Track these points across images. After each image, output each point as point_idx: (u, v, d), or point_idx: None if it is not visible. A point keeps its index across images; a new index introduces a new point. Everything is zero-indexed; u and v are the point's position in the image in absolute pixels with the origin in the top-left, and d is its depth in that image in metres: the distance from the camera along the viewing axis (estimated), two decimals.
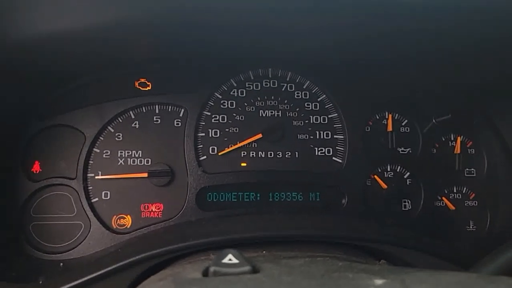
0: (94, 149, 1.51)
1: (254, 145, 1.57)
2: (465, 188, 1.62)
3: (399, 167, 1.61)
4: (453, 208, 1.60)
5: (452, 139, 1.65)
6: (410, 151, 1.62)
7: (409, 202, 1.60)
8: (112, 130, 1.53)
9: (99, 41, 1.29)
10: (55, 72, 1.47)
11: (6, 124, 1.43)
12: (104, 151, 1.52)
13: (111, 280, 1.02)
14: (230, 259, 0.77)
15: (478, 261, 1.01)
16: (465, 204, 1.62)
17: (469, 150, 1.65)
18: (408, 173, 1.61)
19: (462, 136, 1.64)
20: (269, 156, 1.57)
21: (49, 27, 1.12)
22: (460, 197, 1.62)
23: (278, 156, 1.57)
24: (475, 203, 1.62)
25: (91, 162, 1.51)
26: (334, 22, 1.19)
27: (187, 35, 1.32)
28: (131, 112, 1.54)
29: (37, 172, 1.49)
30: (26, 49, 1.22)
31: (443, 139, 1.65)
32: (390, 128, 1.61)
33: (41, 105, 1.50)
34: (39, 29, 1.12)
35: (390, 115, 1.62)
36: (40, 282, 1.21)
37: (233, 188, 1.54)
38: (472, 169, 1.64)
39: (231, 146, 1.56)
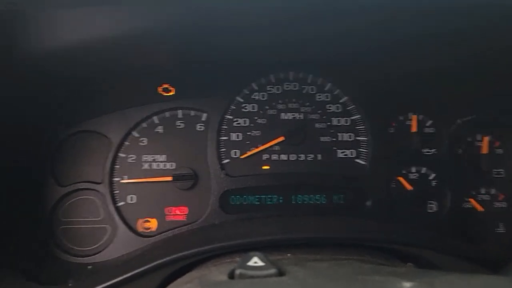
0: (120, 154, 1.54)
1: (276, 148, 1.57)
2: (493, 189, 1.59)
3: (424, 168, 1.59)
4: (481, 209, 1.57)
5: (479, 139, 1.62)
6: (435, 152, 1.60)
7: (435, 204, 1.57)
8: (137, 135, 1.56)
9: (124, 48, 1.32)
10: (81, 79, 1.50)
11: (35, 130, 1.48)
12: (129, 156, 1.54)
13: (138, 282, 1.03)
14: (255, 262, 0.77)
15: (508, 263, 0.99)
16: (494, 206, 1.58)
17: (496, 150, 1.61)
18: (434, 175, 1.59)
19: (489, 136, 1.61)
20: (291, 158, 1.57)
21: (75, 37, 1.15)
22: (489, 198, 1.58)
23: (300, 158, 1.57)
24: (504, 204, 1.58)
25: (116, 166, 1.54)
26: (356, 24, 1.18)
27: (208, 41, 1.33)
28: (155, 117, 1.57)
29: (65, 177, 1.53)
30: (54, 59, 1.26)
31: (469, 140, 1.62)
32: (414, 129, 1.59)
33: (68, 112, 1.54)
34: (66, 38, 1.16)
35: (414, 116, 1.60)
36: (70, 284, 1.24)
37: (256, 191, 1.54)
38: (501, 170, 1.60)
39: (253, 149, 1.56)
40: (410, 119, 1.61)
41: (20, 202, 1.46)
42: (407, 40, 1.33)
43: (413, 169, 1.59)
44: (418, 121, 1.60)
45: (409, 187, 1.56)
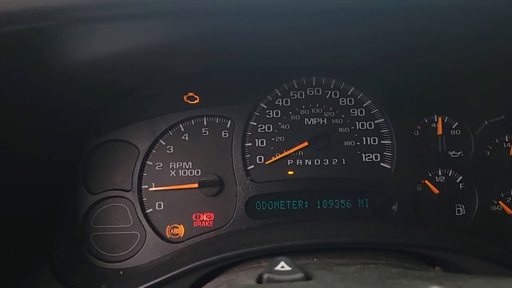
0: (147, 162, 1.58)
1: (301, 153, 1.58)
2: None
3: (450, 171, 1.57)
4: (511, 212, 1.54)
5: (507, 140, 1.59)
6: (462, 154, 1.58)
7: (463, 207, 1.55)
8: (164, 143, 1.59)
9: (150, 59, 1.36)
10: (110, 90, 1.56)
11: (67, 140, 1.53)
12: (157, 164, 1.58)
13: (168, 287, 1.06)
14: (282, 266, 0.79)
15: None
16: None
17: None
18: (461, 177, 1.56)
19: None
20: (315, 163, 1.58)
21: (105, 49, 1.20)
22: None
23: (324, 163, 1.58)
24: None
25: (144, 174, 1.57)
26: (379, 28, 1.18)
27: (231, 48, 1.36)
28: (180, 125, 1.60)
29: (96, 185, 1.57)
30: (84, 70, 1.31)
31: (497, 141, 1.59)
32: (440, 132, 1.58)
33: (98, 122, 1.59)
34: (97, 51, 1.21)
35: (439, 118, 1.59)
36: None
37: (281, 196, 1.56)
38: None
39: (277, 155, 1.58)
40: (436, 121, 1.60)
41: (54, 209, 1.51)
42: (431, 43, 1.32)
43: (440, 172, 1.57)
44: (444, 123, 1.59)
45: (435, 190, 1.55)
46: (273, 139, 1.59)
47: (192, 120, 1.61)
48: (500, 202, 1.55)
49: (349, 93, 1.62)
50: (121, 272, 1.47)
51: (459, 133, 1.59)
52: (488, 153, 1.58)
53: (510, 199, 1.55)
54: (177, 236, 1.54)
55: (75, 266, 1.48)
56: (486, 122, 1.58)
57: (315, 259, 1.00)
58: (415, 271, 0.87)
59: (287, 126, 1.60)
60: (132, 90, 1.61)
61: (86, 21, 0.99)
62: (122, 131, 1.60)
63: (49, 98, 1.37)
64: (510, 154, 1.57)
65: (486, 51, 1.39)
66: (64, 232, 1.52)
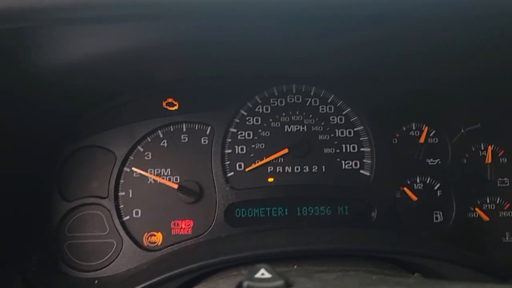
0: (125, 169, 1.55)
1: (281, 160, 1.58)
2: (498, 198, 1.58)
3: (428, 178, 1.59)
4: (487, 219, 1.56)
5: (483, 148, 1.62)
6: (440, 162, 1.60)
7: (441, 213, 1.57)
8: (142, 150, 1.57)
9: (128, 63, 1.34)
10: (87, 95, 1.53)
11: (41, 146, 1.49)
12: (134, 170, 1.55)
13: None
14: (262, 274, 0.77)
15: None
16: (500, 215, 1.57)
17: (501, 159, 1.61)
18: (439, 184, 1.58)
19: (493, 145, 1.61)
20: (295, 170, 1.58)
21: (83, 52, 1.18)
22: (494, 207, 1.58)
23: (304, 170, 1.58)
24: (510, 213, 1.57)
25: (122, 181, 1.54)
26: (359, 38, 1.20)
27: (211, 55, 1.35)
28: (159, 132, 1.58)
29: (71, 192, 1.53)
30: (60, 74, 1.28)
31: (473, 149, 1.62)
32: (422, 140, 1.59)
33: (74, 127, 1.56)
34: (74, 54, 1.18)
35: (426, 127, 1.60)
36: None
37: (261, 204, 1.55)
38: (506, 179, 1.60)
39: (257, 162, 1.57)
40: (413, 129, 1.62)
41: (27, 217, 1.46)
42: (410, 53, 1.34)
43: (418, 180, 1.59)
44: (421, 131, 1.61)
45: (414, 197, 1.56)
46: (253, 146, 1.58)
47: (171, 127, 1.59)
48: (476, 209, 1.57)
49: (329, 101, 1.62)
50: (96, 281, 1.43)
51: (437, 141, 1.61)
52: (465, 161, 1.61)
53: (486, 206, 1.58)
54: (154, 244, 1.51)
55: (48, 276, 1.43)
56: (462, 130, 1.60)
57: (295, 267, 1.00)
58: (395, 278, 0.87)
59: (267, 133, 1.59)
60: (110, 96, 1.59)
61: (62, 23, 0.97)
62: (99, 137, 1.56)
63: (24, 103, 1.33)
64: (486, 162, 1.60)
65: (464, 62, 1.42)
66: (37, 241, 1.48)
